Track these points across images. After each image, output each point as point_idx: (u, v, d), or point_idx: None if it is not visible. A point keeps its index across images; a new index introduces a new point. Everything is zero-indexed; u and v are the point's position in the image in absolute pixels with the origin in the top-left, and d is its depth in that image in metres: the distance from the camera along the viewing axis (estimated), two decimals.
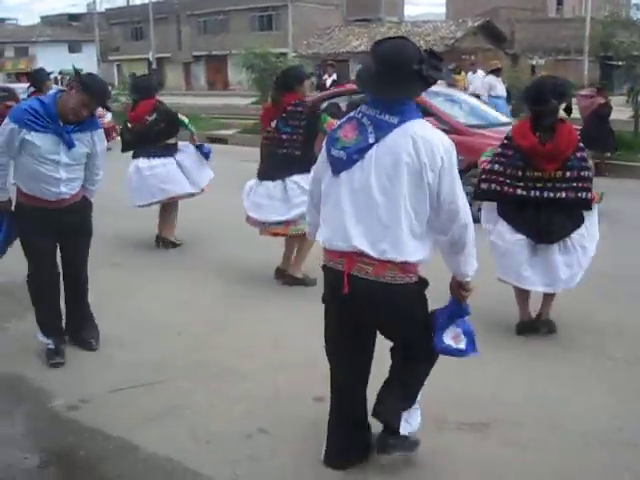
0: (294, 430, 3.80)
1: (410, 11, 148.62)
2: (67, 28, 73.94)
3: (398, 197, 2.93)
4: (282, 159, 6.02)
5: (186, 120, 7.80)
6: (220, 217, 8.97)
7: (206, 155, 7.78)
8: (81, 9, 74.90)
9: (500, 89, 17.74)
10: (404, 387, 3.38)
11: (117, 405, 4.14)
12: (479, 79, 21.00)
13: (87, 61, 62.20)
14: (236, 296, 6.11)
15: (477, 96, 21.02)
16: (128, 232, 8.41)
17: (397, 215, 2.95)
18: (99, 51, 57.93)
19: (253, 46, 22.47)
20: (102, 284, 5.72)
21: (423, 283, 3.21)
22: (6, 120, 4.44)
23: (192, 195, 7.75)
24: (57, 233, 4.73)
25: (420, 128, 2.98)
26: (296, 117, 5.95)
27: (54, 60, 63.58)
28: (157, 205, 7.77)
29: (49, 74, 10.12)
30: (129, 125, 7.49)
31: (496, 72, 16.48)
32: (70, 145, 4.50)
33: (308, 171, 5.77)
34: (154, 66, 50.72)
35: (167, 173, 7.45)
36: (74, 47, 67.51)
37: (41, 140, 4.40)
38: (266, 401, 4.14)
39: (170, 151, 7.56)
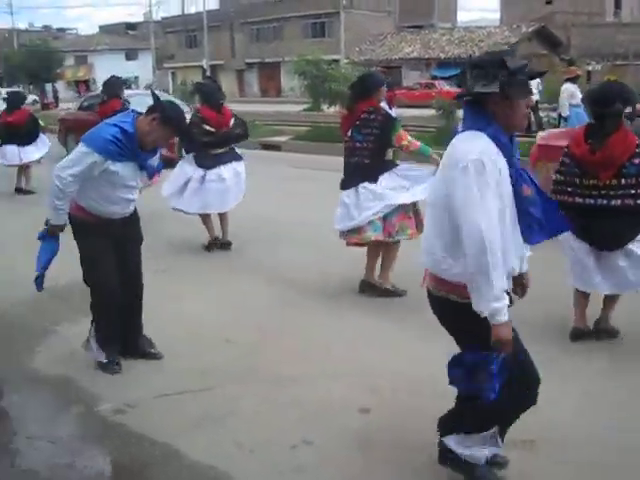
0: (339, 442, 3.74)
1: (463, 17, 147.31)
2: (124, 37, 75.56)
3: None
4: (354, 168, 5.95)
5: None
6: (272, 222, 8.99)
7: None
8: (138, 18, 76.41)
9: (579, 97, 17.44)
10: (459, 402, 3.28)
11: (163, 411, 4.14)
12: (533, 86, 20.65)
13: (143, 69, 63.48)
14: (288, 302, 6.09)
15: (535, 103, 20.75)
16: (173, 237, 8.47)
17: None
18: (155, 59, 58.80)
19: (305, 53, 22.59)
20: (149, 290, 5.75)
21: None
22: (85, 149, 4.23)
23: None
24: (117, 245, 4.64)
25: None
26: (369, 125, 5.82)
27: (111, 68, 64.71)
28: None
29: (124, 82, 10.01)
30: (208, 128, 7.50)
31: (574, 80, 16.00)
32: (149, 172, 4.57)
33: (378, 177, 5.85)
34: (208, 73, 51.29)
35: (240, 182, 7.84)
36: (131, 55, 68.94)
37: (123, 169, 4.34)
38: (313, 411, 4.09)
39: (236, 156, 7.88)
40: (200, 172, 7.61)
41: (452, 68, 42.39)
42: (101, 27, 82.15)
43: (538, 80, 20.63)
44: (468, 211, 2.72)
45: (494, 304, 2.72)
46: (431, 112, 19.61)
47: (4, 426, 4.13)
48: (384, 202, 5.81)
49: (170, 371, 4.66)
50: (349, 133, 5.94)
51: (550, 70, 23.42)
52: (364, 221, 5.88)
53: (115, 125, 4.24)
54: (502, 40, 42.98)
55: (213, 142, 7.57)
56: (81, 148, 4.24)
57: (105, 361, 4.64)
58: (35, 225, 6.34)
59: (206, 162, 7.58)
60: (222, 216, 7.99)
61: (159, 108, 4.29)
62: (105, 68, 65.49)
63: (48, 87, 52.87)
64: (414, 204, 5.99)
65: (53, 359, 4.96)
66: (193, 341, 5.15)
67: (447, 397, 3.31)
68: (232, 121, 7.70)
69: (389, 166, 5.93)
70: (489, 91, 2.77)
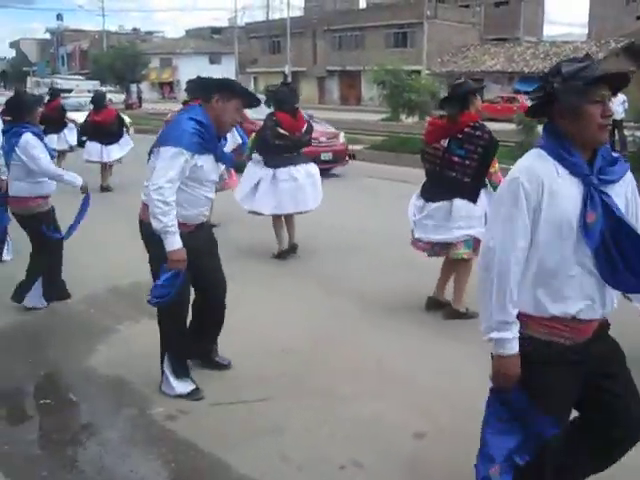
0: (390, 466, 3.59)
1: (550, 31, 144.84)
2: (209, 41, 77.02)
3: None
4: (450, 183, 5.58)
5: None
6: (342, 231, 8.93)
7: None
8: (223, 23, 77.82)
9: None
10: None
11: (214, 420, 4.08)
12: (619, 103, 20.02)
13: (226, 73, 64.25)
14: (348, 314, 5.98)
15: (615, 121, 20.11)
16: (240, 242, 8.43)
17: None
18: (237, 63, 59.68)
19: (387, 62, 22.52)
20: None
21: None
22: (173, 149, 3.89)
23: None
24: (199, 253, 4.24)
25: None
26: (473, 141, 5.46)
27: (195, 71, 65.82)
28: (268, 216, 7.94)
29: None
30: (281, 131, 7.52)
31: None
32: (226, 161, 4.40)
33: (474, 200, 5.59)
34: (289, 79, 51.81)
35: (314, 184, 7.86)
36: (214, 59, 70.19)
37: (207, 162, 4.10)
38: (363, 430, 3.95)
39: (305, 159, 7.93)
40: (270, 172, 7.58)
41: (535, 82, 41.74)
42: (187, 31, 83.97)
43: (624, 97, 19.99)
44: (490, 225, 2.63)
45: (492, 334, 2.52)
46: (512, 127, 19.20)
47: (56, 424, 4.15)
48: (481, 222, 5.49)
49: (225, 379, 4.61)
50: (443, 143, 5.58)
51: (638, 88, 22.73)
52: (459, 238, 5.64)
53: (190, 119, 3.98)
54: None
55: (286, 145, 7.56)
56: (169, 151, 3.90)
57: (188, 392, 4.33)
58: (108, 222, 6.44)
59: (275, 162, 7.59)
60: (288, 219, 7.91)
61: (214, 87, 4.08)
62: (189, 71, 66.82)
63: (133, 88, 54.35)
64: None
65: (111, 358, 4.98)
66: (250, 349, 5.08)
67: None
68: (305, 127, 7.74)
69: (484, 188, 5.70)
70: (536, 101, 2.57)
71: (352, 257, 7.86)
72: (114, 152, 12.90)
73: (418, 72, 36.56)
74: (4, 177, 6.69)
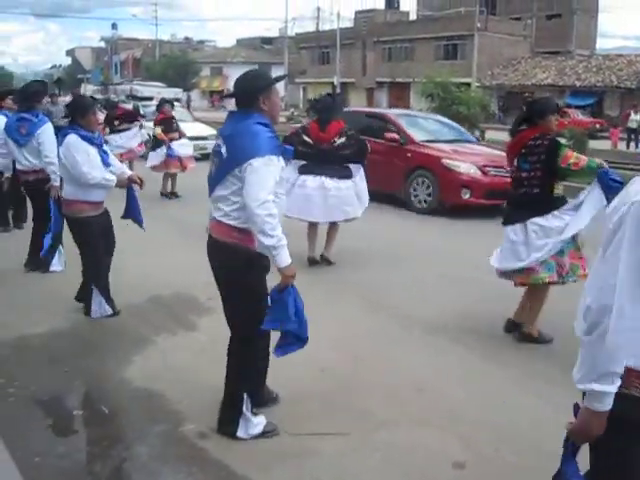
0: None
1: (603, 44, 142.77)
2: (259, 50, 77.71)
3: None
4: (521, 199, 5.51)
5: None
6: (385, 244, 8.81)
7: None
8: (274, 33, 78.29)
9: None
10: None
11: (246, 439, 3.98)
12: None
13: None
14: (388, 333, 5.85)
15: None
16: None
17: None
18: (287, 73, 60.05)
19: (436, 75, 22.34)
20: None
21: None
22: (264, 159, 3.64)
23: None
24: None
25: None
26: (535, 152, 5.36)
27: None
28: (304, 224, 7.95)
29: None
30: (305, 139, 7.68)
31: None
32: (287, 154, 4.06)
33: (549, 211, 5.37)
34: (338, 90, 51.86)
35: (349, 196, 7.82)
36: (264, 69, 70.60)
37: (282, 163, 3.89)
38: (398, 457, 3.81)
39: (349, 174, 7.86)
40: (297, 177, 7.75)
41: (587, 96, 41.07)
42: (238, 40, 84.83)
43: None
44: (607, 255, 2.10)
45: (592, 385, 2.12)
46: (563, 141, 18.91)
47: (87, 437, 4.11)
48: (557, 237, 5.33)
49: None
50: (515, 163, 5.52)
51: None
52: (536, 262, 5.40)
53: (257, 124, 3.74)
54: None
55: (306, 153, 7.62)
56: (261, 162, 3.62)
57: (264, 430, 4.03)
58: (148, 230, 6.42)
59: (304, 169, 7.76)
60: (329, 230, 8.14)
61: (256, 92, 3.83)
62: None
63: (183, 96, 55.05)
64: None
65: (146, 371, 4.92)
66: (287, 369, 4.96)
67: (555, 459, 2.98)
68: (340, 140, 7.67)
69: (560, 202, 5.43)
70: None
71: (395, 271, 7.74)
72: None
73: (468, 84, 36.22)
74: (55, 183, 6.78)
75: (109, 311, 6.04)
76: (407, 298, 6.79)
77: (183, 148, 13.06)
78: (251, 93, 3.83)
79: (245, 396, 3.96)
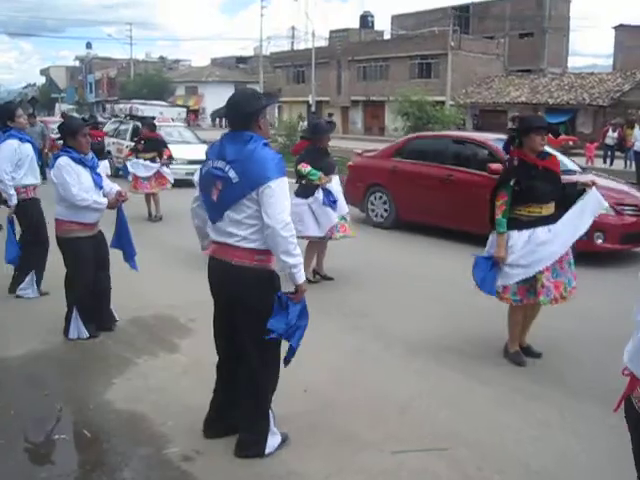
0: None
1: (575, 62, 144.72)
2: (234, 70, 77.81)
3: None
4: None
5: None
6: (370, 264, 8.82)
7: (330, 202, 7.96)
8: (249, 52, 78.43)
9: None
10: None
11: (230, 462, 3.94)
12: None
13: None
14: (370, 353, 5.85)
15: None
16: None
17: None
18: (262, 92, 60.13)
19: (411, 93, 22.52)
20: None
21: None
22: (282, 179, 3.68)
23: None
24: None
25: None
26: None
27: (220, 99, 66.72)
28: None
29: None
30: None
31: None
32: None
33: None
34: (313, 109, 52.05)
35: (296, 214, 7.43)
36: (239, 88, 70.69)
37: None
38: (385, 478, 3.81)
39: (307, 193, 7.91)
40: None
41: (560, 114, 41.54)
42: (213, 59, 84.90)
43: None
44: None
45: None
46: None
47: (69, 461, 4.05)
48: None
49: None
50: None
51: None
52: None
53: (265, 145, 3.76)
54: (614, 87, 41.71)
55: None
56: (278, 184, 3.64)
57: (282, 438, 4.12)
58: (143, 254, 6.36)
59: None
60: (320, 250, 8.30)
61: (255, 114, 3.79)
62: (214, 99, 67.60)
63: (158, 115, 54.87)
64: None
65: (129, 393, 4.88)
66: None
67: (539, 476, 3.02)
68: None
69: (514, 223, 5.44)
70: None
71: (380, 291, 7.75)
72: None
73: (442, 103, 36.52)
74: (10, 203, 6.78)
75: (85, 334, 5.96)
76: (391, 319, 6.80)
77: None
78: (249, 114, 3.78)
79: (270, 416, 4.03)
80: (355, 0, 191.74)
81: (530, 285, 5.42)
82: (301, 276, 3.76)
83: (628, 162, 24.02)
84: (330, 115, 45.68)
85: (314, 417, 4.54)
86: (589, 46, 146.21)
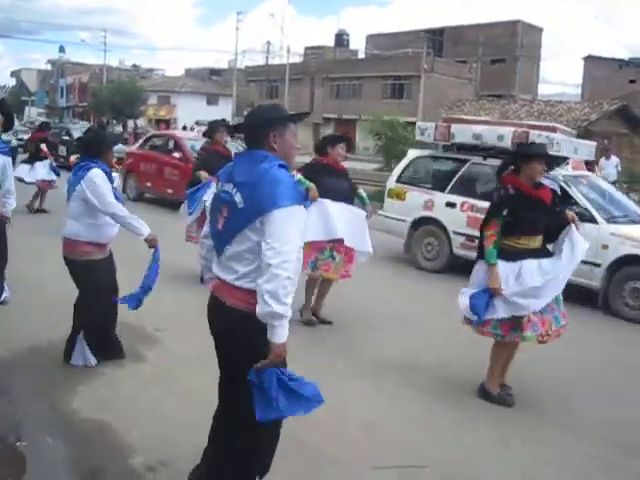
0: None
1: (544, 90, 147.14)
2: (207, 81, 77.73)
3: None
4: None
5: (364, 195, 7.65)
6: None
7: None
8: (223, 65, 78.57)
9: None
10: None
11: None
12: (612, 166, 20.28)
13: (222, 114, 64.73)
14: (335, 372, 5.86)
15: (613, 183, 20.41)
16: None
17: None
18: (235, 105, 60.13)
19: (382, 113, 22.72)
20: (206, 340, 5.62)
21: None
22: (289, 208, 3.06)
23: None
24: None
25: None
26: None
27: (192, 110, 66.91)
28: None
29: (228, 126, 9.57)
30: None
31: None
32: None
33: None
34: None
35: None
36: (212, 100, 70.67)
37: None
38: None
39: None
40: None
41: None
42: (187, 70, 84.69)
43: (617, 160, 20.26)
44: None
45: None
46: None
47: (31, 469, 4.00)
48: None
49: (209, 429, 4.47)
50: None
51: (630, 150, 22.94)
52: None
53: (279, 167, 3.18)
54: (582, 116, 42.50)
55: None
56: (285, 213, 3.05)
57: None
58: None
59: None
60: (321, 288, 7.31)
61: (269, 122, 3.33)
62: (186, 110, 67.58)
63: (130, 123, 54.60)
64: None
65: (95, 402, 4.85)
66: None
67: None
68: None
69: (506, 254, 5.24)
70: None
71: (346, 310, 7.77)
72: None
73: (413, 124, 36.91)
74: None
75: (93, 361, 5.55)
76: (357, 336, 6.84)
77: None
78: (260, 128, 3.31)
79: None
80: (331, 18, 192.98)
81: (515, 321, 5.17)
82: (283, 333, 3.03)
83: None
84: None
85: (284, 435, 4.54)
86: (559, 75, 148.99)
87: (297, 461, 4.14)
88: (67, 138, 24.26)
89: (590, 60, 61.14)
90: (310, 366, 5.85)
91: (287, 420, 3.60)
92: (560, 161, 8.55)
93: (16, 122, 15.69)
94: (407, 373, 5.86)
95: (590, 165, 16.83)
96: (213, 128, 8.95)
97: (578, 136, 12.27)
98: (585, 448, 4.61)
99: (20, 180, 13.68)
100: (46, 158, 14.23)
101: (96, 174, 5.30)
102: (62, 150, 22.43)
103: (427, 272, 10.28)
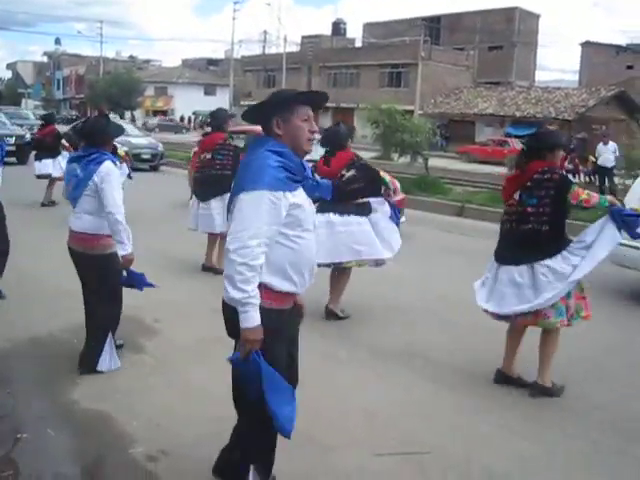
0: None
1: (542, 76, 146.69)
2: (205, 72, 77.66)
3: None
4: (526, 238, 5.03)
5: (387, 178, 6.96)
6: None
7: (397, 219, 6.96)
8: (220, 55, 78.40)
9: None
10: None
11: (195, 462, 3.90)
12: (610, 152, 20.20)
13: (220, 104, 64.47)
14: (334, 359, 5.86)
15: (606, 169, 20.31)
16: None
17: None
18: (232, 95, 60.03)
19: (380, 101, 22.60)
20: (202, 331, 5.65)
21: None
22: (251, 195, 2.97)
23: (381, 263, 6.92)
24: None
25: None
26: (543, 186, 4.96)
27: (190, 101, 66.99)
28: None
29: (232, 116, 9.30)
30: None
31: None
32: (322, 192, 3.40)
33: (558, 251, 4.99)
34: None
35: (361, 232, 6.64)
36: (209, 90, 70.66)
37: (304, 200, 3.17)
38: None
39: (365, 210, 6.73)
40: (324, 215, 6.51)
41: (527, 127, 42.12)
42: (184, 61, 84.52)
43: (615, 146, 20.20)
44: None
45: None
46: (503, 169, 19.34)
47: (32, 461, 4.00)
48: (567, 280, 4.94)
49: (211, 420, 4.46)
50: (516, 196, 5.11)
51: (628, 136, 22.92)
52: (545, 306, 5.00)
53: (267, 151, 3.08)
54: (580, 102, 42.44)
55: None
56: (247, 197, 2.98)
57: None
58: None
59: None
60: (335, 277, 7.02)
61: (269, 111, 3.18)
62: (183, 101, 67.60)
63: (127, 114, 54.53)
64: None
65: (94, 393, 4.84)
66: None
67: None
68: (349, 172, 6.60)
69: (568, 242, 5.06)
70: None
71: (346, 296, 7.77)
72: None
73: (411, 112, 36.79)
74: None
75: (119, 364, 5.30)
76: (355, 324, 6.84)
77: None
78: (262, 113, 3.20)
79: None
80: (328, 7, 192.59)
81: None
82: (249, 318, 2.98)
83: (591, 178, 24.19)
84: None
85: None
86: (556, 61, 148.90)
87: (298, 449, 4.13)
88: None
89: (588, 46, 61.05)
90: (311, 355, 5.88)
91: None
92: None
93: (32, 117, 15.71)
94: (408, 360, 5.86)
95: (571, 153, 16.74)
96: (222, 118, 8.77)
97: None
98: (586, 432, 4.61)
99: (45, 177, 13.69)
100: (64, 151, 13.68)
101: (112, 169, 5.06)
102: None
103: None
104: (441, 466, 4.04)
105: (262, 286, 3.04)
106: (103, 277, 5.15)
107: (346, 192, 6.47)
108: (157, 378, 5.18)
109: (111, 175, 5.01)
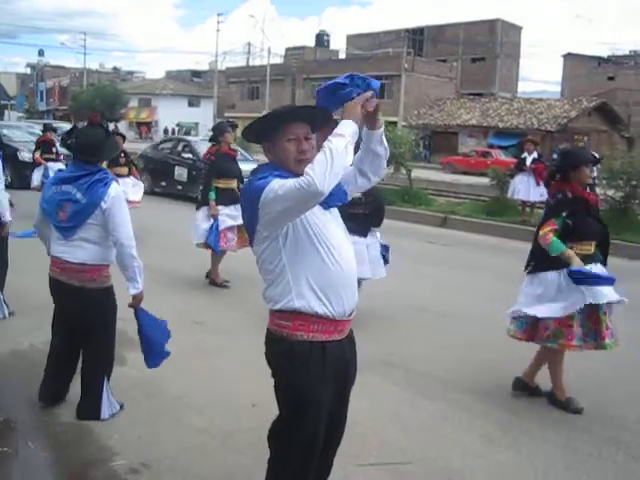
0: None
1: (525, 87, 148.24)
2: (188, 83, 77.67)
3: None
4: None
5: None
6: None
7: (385, 256, 7.09)
8: (204, 66, 78.41)
9: None
10: None
11: (177, 475, 3.94)
12: None
13: (204, 116, 64.82)
14: None
15: (593, 179, 20.48)
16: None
17: None
18: (216, 107, 60.05)
19: None
20: (184, 343, 5.64)
21: None
22: (250, 196, 2.85)
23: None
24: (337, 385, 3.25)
25: None
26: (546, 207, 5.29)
27: (173, 113, 66.88)
28: None
29: (235, 126, 9.18)
30: None
31: None
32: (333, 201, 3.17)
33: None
34: None
35: (359, 253, 6.39)
36: (193, 102, 70.63)
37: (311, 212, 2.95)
38: None
39: (365, 231, 6.78)
40: None
41: (510, 138, 42.39)
42: (167, 72, 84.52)
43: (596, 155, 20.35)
44: None
45: None
46: (485, 180, 19.46)
47: (11, 475, 3.99)
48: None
49: (192, 430, 4.49)
50: None
51: (609, 147, 23.12)
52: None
53: (258, 179, 2.86)
54: (562, 113, 42.81)
55: None
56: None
57: None
58: None
59: None
60: None
61: (258, 133, 3.01)
62: (167, 112, 67.46)
63: (111, 126, 54.42)
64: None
65: (75, 405, 4.80)
66: (219, 402, 4.99)
67: None
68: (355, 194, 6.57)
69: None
70: None
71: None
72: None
73: (394, 123, 36.99)
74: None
75: (118, 406, 4.75)
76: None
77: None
78: (255, 136, 3.05)
79: None
80: (312, 19, 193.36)
81: (590, 328, 5.01)
82: None
83: None
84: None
85: (262, 431, 4.55)
86: (539, 72, 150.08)
87: None
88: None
89: (569, 58, 61.73)
90: None
91: (270, 421, 3.64)
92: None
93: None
94: (389, 371, 5.88)
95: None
96: (220, 130, 8.73)
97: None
98: (566, 441, 4.64)
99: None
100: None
101: (120, 192, 4.44)
102: None
103: None
104: (422, 476, 4.07)
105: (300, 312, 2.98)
106: (103, 314, 4.55)
107: (347, 214, 6.42)
108: (138, 390, 5.17)
109: (122, 199, 4.39)
